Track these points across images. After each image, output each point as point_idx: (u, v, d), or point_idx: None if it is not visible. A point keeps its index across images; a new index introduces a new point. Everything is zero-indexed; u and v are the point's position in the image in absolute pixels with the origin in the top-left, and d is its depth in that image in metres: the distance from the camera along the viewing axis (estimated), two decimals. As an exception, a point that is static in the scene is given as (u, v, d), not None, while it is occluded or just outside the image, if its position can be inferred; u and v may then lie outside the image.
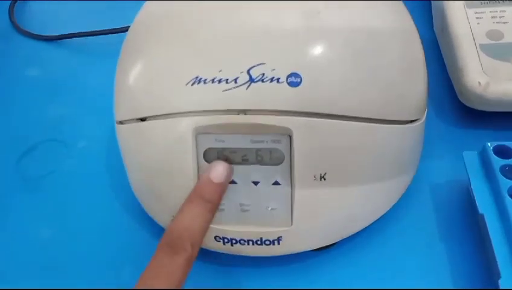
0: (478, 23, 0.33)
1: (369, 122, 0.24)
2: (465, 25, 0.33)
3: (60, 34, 0.43)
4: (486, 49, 0.32)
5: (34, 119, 0.37)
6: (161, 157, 0.25)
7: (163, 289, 0.21)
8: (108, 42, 0.42)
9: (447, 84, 0.35)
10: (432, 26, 0.38)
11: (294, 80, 0.23)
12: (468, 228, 0.28)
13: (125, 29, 0.41)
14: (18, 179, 0.34)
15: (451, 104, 0.34)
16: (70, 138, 0.36)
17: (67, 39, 0.43)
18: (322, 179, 0.24)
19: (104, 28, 0.42)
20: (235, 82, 0.23)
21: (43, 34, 0.44)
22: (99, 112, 0.37)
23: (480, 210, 0.25)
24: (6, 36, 0.45)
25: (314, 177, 0.24)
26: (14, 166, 0.34)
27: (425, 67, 0.27)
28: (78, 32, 0.43)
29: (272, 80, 0.23)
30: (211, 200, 0.24)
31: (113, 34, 0.42)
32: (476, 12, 0.34)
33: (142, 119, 0.26)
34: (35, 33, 0.44)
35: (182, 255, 0.22)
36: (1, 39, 0.45)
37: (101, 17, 0.44)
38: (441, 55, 0.36)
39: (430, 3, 0.39)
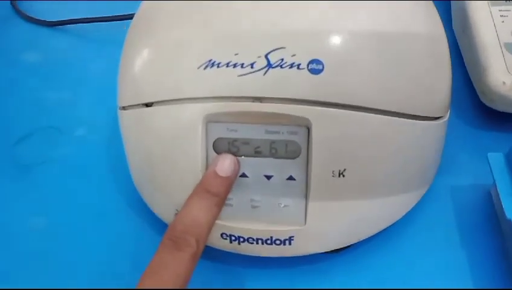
0: (503, 21, 0.32)
1: (393, 116, 0.22)
2: (489, 24, 0.32)
3: (62, 19, 0.42)
4: (511, 48, 0.30)
5: (31, 105, 0.36)
6: (167, 147, 0.24)
7: (166, 289, 0.20)
8: (112, 29, 0.40)
9: (467, 84, 0.33)
10: (450, 25, 0.37)
11: (315, 67, 0.21)
12: (490, 233, 0.27)
13: (129, 17, 0.39)
14: (12, 166, 0.32)
15: (472, 105, 0.33)
16: (68, 125, 0.34)
17: (70, 25, 0.42)
18: (341, 175, 0.22)
19: (108, 15, 0.40)
20: (252, 67, 0.21)
21: (45, 19, 0.42)
22: (100, 99, 0.35)
23: (508, 215, 0.23)
24: (7, 20, 0.43)
25: (333, 173, 0.22)
26: (8, 152, 0.33)
27: (450, 63, 0.26)
28: (80, 18, 0.41)
29: (291, 66, 0.21)
30: (218, 193, 0.22)
31: (116, 22, 0.40)
32: (500, 10, 0.32)
33: (148, 105, 0.24)
34: (36, 18, 0.43)
35: (187, 252, 0.20)
36: (1, 23, 0.43)
37: (105, 4, 0.42)
38: (460, 55, 0.35)
39: (449, 3, 0.38)
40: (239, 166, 0.23)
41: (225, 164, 0.22)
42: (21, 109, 0.35)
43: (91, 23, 0.41)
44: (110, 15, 0.40)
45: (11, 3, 0.44)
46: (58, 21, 0.42)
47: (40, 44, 0.41)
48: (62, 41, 0.41)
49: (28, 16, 0.43)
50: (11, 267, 0.27)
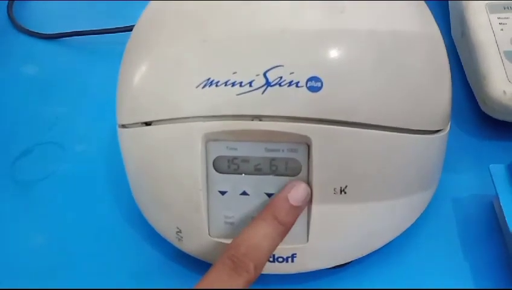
0: (502, 29, 0.31)
1: (393, 132, 0.22)
2: (488, 31, 0.31)
3: (59, 32, 0.42)
4: (511, 56, 0.30)
5: (30, 120, 0.36)
6: (167, 165, 0.24)
7: None
8: (111, 42, 0.40)
9: (467, 93, 0.33)
10: (449, 31, 0.37)
11: (314, 85, 0.21)
12: (493, 244, 0.27)
13: (128, 29, 0.39)
14: (11, 182, 0.32)
15: (473, 115, 0.32)
16: (67, 140, 0.34)
17: (67, 38, 0.42)
18: (343, 192, 0.22)
19: (106, 27, 0.40)
20: (250, 85, 0.21)
21: (42, 32, 0.42)
22: (99, 114, 0.35)
23: (511, 229, 0.23)
24: (4, 33, 0.43)
25: (334, 190, 0.22)
26: (8, 169, 0.32)
27: (450, 74, 0.26)
28: (78, 31, 0.41)
29: (290, 84, 0.21)
30: (285, 223, 0.22)
31: (115, 34, 0.40)
32: (499, 18, 0.32)
33: (147, 124, 0.24)
34: (33, 31, 0.42)
35: (244, 277, 0.20)
36: (-1, 35, 0.43)
37: (103, 16, 0.42)
38: (460, 62, 0.35)
39: (448, 10, 0.38)
40: (311, 197, 0.22)
41: (299, 192, 0.22)
42: (20, 124, 0.35)
43: (89, 36, 0.41)
44: (109, 27, 0.40)
45: (8, 15, 0.44)
46: (55, 34, 0.42)
47: (38, 57, 0.41)
48: (60, 54, 0.41)
49: (25, 29, 0.43)
50: (10, 284, 0.27)
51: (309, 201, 0.22)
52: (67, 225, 0.29)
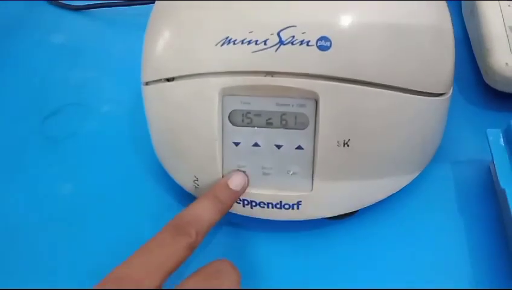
0: (509, 5, 0.33)
1: (397, 91, 0.24)
2: (496, 7, 0.33)
3: (86, 3, 0.44)
4: (515, 31, 0.31)
5: (59, 83, 0.38)
6: (186, 118, 0.26)
7: (157, 264, 0.21)
8: (134, 14, 0.42)
9: (472, 66, 0.35)
10: (460, 10, 0.38)
11: (324, 44, 0.23)
12: (487, 205, 0.28)
13: (151, 1, 0.41)
14: (42, 138, 0.34)
15: (476, 85, 0.34)
16: (93, 102, 0.36)
17: (93, 9, 0.44)
18: (346, 145, 0.24)
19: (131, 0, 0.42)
20: (265, 44, 0.23)
21: (70, 4, 0.45)
22: (123, 78, 0.37)
23: (502, 185, 0.25)
24: (34, 5, 0.45)
25: (338, 143, 0.24)
26: (38, 126, 0.35)
27: (454, 41, 0.27)
28: (104, 3, 0.43)
29: (301, 42, 0.23)
30: (223, 201, 0.25)
31: (138, 6, 0.42)
32: (507, -5, 0.33)
33: (169, 80, 0.26)
34: (61, 2, 0.45)
35: (185, 240, 0.22)
36: (28, 7, 0.45)
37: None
38: (468, 39, 0.36)
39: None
40: (248, 184, 0.26)
41: (237, 180, 0.25)
42: (50, 86, 0.38)
43: (114, 8, 0.43)
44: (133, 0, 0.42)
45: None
46: (82, 5, 0.44)
47: (65, 27, 0.43)
48: (86, 24, 0.43)
49: (55, 0, 0.45)
50: (41, 230, 0.29)
51: (314, 152, 0.24)
52: (93, 175, 0.32)
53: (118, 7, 0.43)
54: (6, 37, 0.42)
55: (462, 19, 0.38)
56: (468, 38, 0.36)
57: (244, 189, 0.26)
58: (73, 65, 0.39)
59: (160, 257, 0.21)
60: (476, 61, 0.34)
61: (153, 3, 0.29)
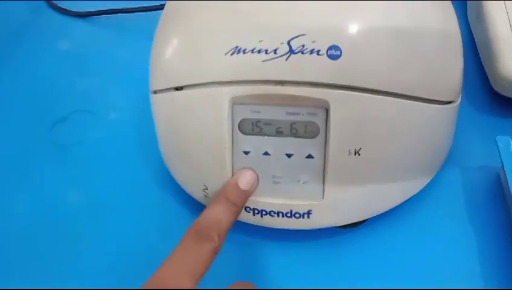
0: (516, 10, 0.33)
1: (407, 99, 0.24)
2: (503, 13, 0.33)
3: (91, 10, 0.44)
4: (523, 36, 0.31)
5: (66, 90, 0.38)
6: (196, 127, 0.26)
7: (188, 271, 0.21)
8: (140, 20, 0.42)
9: (479, 72, 0.35)
10: (466, 16, 0.38)
11: (334, 53, 0.23)
12: (497, 212, 0.28)
13: (156, 8, 0.41)
14: (50, 145, 0.34)
15: (484, 92, 0.34)
16: (100, 109, 0.36)
17: (98, 16, 0.44)
18: (357, 154, 0.24)
19: (136, 6, 0.42)
20: (275, 53, 0.23)
21: (75, 10, 0.45)
22: (130, 85, 0.37)
23: (514, 193, 0.25)
24: (39, 11, 0.45)
25: (349, 152, 0.24)
26: (46, 133, 0.35)
27: (462, 49, 0.27)
28: (109, 10, 0.43)
29: (311, 51, 0.23)
30: (236, 203, 0.25)
31: (144, 12, 0.42)
32: (514, 0, 0.33)
33: (178, 89, 0.26)
34: (67, 9, 0.45)
35: (209, 244, 0.22)
36: (34, 14, 0.45)
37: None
38: (474, 43, 0.36)
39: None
40: (258, 182, 0.25)
41: (246, 178, 0.25)
42: (56, 94, 0.38)
43: (119, 14, 0.43)
44: (137, 6, 0.42)
45: (43, -6, 0.47)
46: (87, 12, 0.44)
47: (70, 33, 0.43)
48: (92, 31, 0.43)
49: (60, 7, 0.45)
50: (48, 236, 0.29)
51: (325, 161, 0.24)
52: (100, 182, 0.32)
53: (123, 14, 0.43)
54: (12, 44, 0.42)
55: (467, 22, 0.38)
56: (474, 43, 0.36)
57: (254, 187, 0.25)
58: (80, 72, 0.40)
59: (189, 264, 0.21)
60: (482, 67, 0.34)
61: (159, 10, 0.29)
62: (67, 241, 0.29)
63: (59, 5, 0.45)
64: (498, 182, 0.29)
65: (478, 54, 0.35)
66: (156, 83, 0.28)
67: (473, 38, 0.36)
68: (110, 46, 0.41)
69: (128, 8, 0.43)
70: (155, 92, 0.28)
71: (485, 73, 0.34)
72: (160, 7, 0.36)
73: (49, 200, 0.31)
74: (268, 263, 0.27)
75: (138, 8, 0.42)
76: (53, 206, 0.31)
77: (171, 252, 0.22)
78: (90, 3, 0.44)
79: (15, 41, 0.42)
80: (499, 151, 0.27)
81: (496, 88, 0.32)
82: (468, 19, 0.38)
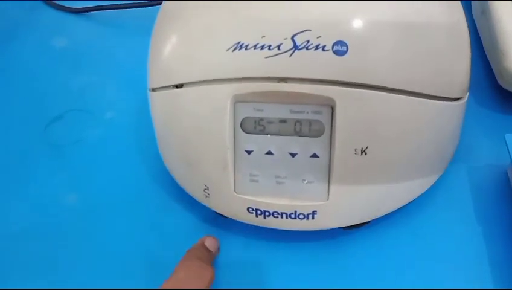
0: (523, 5, 0.32)
1: (414, 96, 0.23)
2: (507, 8, 0.32)
3: (86, 6, 0.43)
4: (530, 32, 0.31)
5: (61, 88, 0.37)
6: (196, 126, 0.25)
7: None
8: (136, 16, 0.41)
9: (485, 68, 0.34)
10: (470, 11, 0.37)
11: (340, 49, 0.22)
12: (505, 210, 0.28)
13: (153, 4, 0.40)
14: (45, 145, 0.33)
15: (490, 88, 0.33)
16: (96, 108, 0.35)
17: (94, 12, 0.43)
18: (363, 153, 0.23)
19: (132, 2, 0.41)
20: (278, 49, 0.23)
21: (70, 6, 0.44)
22: (127, 84, 0.37)
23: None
24: (35, 8, 0.44)
25: (355, 151, 0.23)
26: (41, 133, 0.34)
27: (470, 46, 0.26)
28: (105, 5, 0.42)
29: (317, 47, 0.22)
30: (204, 260, 0.25)
31: (140, 8, 0.41)
32: (520, -5, 0.32)
33: (178, 86, 0.25)
34: (62, 5, 0.44)
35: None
36: (30, 10, 0.44)
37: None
38: (479, 39, 0.35)
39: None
40: (218, 251, 0.26)
41: (212, 242, 0.26)
42: (52, 92, 0.37)
43: (115, 10, 0.42)
44: (135, 2, 0.41)
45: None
46: (83, 8, 0.43)
47: (66, 30, 0.42)
48: (88, 27, 0.42)
49: (55, 4, 0.44)
50: (45, 239, 0.29)
51: (331, 160, 0.24)
52: (98, 183, 0.31)
53: (119, 9, 0.42)
54: (7, 41, 0.41)
55: (472, 19, 0.37)
56: (479, 40, 0.35)
57: (216, 252, 0.26)
58: (76, 70, 0.39)
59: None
60: (489, 64, 0.33)
61: (157, 5, 0.28)
62: (63, 241, 0.28)
63: (55, 1, 0.44)
64: (506, 180, 0.29)
65: (483, 51, 0.34)
66: (154, 80, 0.27)
67: (478, 35, 0.36)
68: (106, 43, 0.41)
69: (125, 4, 0.42)
70: (153, 90, 0.27)
71: (490, 70, 0.33)
72: (158, 2, 0.35)
73: (45, 200, 0.31)
74: (270, 263, 0.26)
75: (135, 3, 0.41)
76: (49, 207, 0.30)
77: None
78: (86, -1, 0.44)
79: (9, 37, 0.41)
80: (507, 149, 0.26)
81: (503, 84, 0.31)
82: (473, 16, 0.37)
